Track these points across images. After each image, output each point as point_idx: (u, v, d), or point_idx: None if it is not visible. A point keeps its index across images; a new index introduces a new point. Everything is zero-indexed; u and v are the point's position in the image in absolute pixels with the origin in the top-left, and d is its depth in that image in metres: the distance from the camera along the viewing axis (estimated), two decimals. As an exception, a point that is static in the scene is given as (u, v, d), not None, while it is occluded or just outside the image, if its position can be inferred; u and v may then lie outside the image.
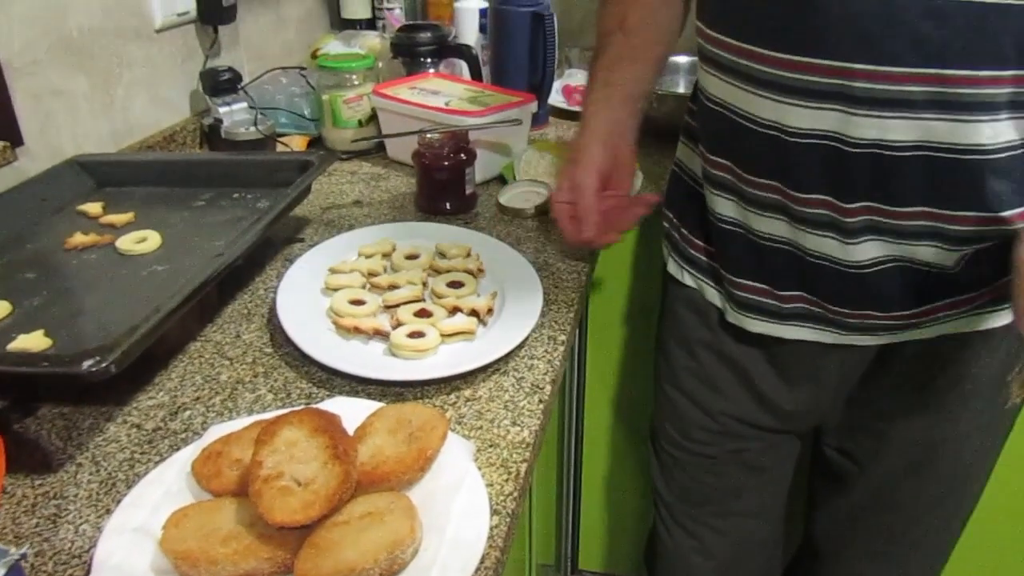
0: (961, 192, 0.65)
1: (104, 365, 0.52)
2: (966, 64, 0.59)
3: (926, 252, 0.69)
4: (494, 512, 0.53)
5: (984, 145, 0.62)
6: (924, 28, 0.58)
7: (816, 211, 0.69)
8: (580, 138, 0.83)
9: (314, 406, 0.54)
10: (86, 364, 0.52)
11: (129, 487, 0.54)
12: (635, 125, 0.85)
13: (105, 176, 0.93)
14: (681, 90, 1.31)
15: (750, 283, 0.78)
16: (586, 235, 0.80)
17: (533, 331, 0.72)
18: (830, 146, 0.64)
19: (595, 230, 0.80)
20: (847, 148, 0.64)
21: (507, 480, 0.56)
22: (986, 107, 0.60)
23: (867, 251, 0.69)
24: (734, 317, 0.82)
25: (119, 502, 0.52)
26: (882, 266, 0.70)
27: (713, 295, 0.84)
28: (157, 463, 0.57)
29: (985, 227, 0.66)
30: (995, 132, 0.62)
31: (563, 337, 0.73)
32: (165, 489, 0.52)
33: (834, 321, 0.75)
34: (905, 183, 0.64)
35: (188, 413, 0.62)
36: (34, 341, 0.63)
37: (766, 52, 0.66)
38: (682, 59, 1.33)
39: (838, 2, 0.60)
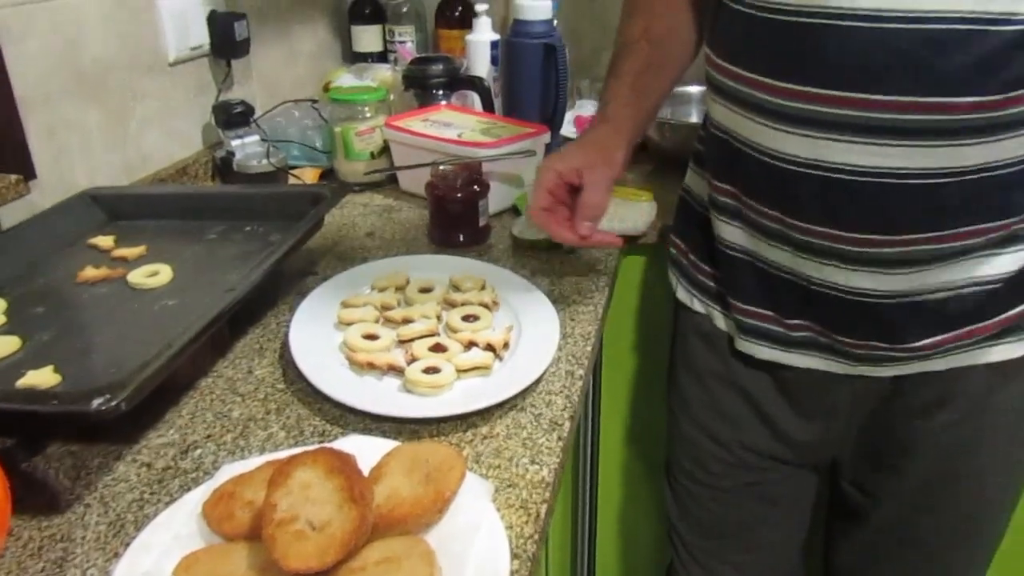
0: (970, 214, 0.64)
1: (114, 403, 0.51)
2: (966, 92, 0.59)
3: (932, 280, 0.67)
4: (514, 556, 0.51)
5: (992, 162, 0.62)
6: (924, 57, 0.58)
7: (818, 240, 0.68)
8: (594, 130, 0.82)
9: (328, 445, 0.52)
10: (96, 402, 0.51)
11: (138, 529, 0.53)
12: (635, 136, 0.85)
13: (117, 209, 0.93)
14: (693, 119, 1.31)
15: (757, 310, 0.78)
16: (537, 220, 0.81)
17: (550, 366, 0.70)
18: (832, 177, 0.64)
19: (544, 219, 0.80)
20: (849, 177, 0.64)
21: (527, 522, 0.54)
22: (988, 130, 0.60)
23: (871, 280, 0.68)
24: (742, 344, 0.81)
25: (128, 545, 0.50)
26: (888, 297, 0.69)
27: (722, 321, 0.83)
28: (167, 504, 0.55)
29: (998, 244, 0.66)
30: (1003, 150, 0.62)
31: (581, 372, 0.71)
32: (175, 532, 0.51)
33: (841, 351, 0.75)
34: (906, 212, 0.64)
35: (199, 451, 0.61)
36: (43, 377, 0.62)
37: (767, 80, 0.66)
38: (694, 89, 1.33)
39: (837, 31, 0.60)
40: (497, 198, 1.01)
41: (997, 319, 0.72)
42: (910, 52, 0.59)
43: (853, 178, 0.64)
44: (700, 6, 0.83)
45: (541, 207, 0.80)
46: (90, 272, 0.79)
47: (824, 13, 0.61)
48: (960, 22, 0.57)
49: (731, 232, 0.78)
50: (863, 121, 0.62)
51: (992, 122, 0.60)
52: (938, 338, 0.71)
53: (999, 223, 0.66)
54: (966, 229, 0.65)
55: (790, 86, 0.64)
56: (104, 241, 0.86)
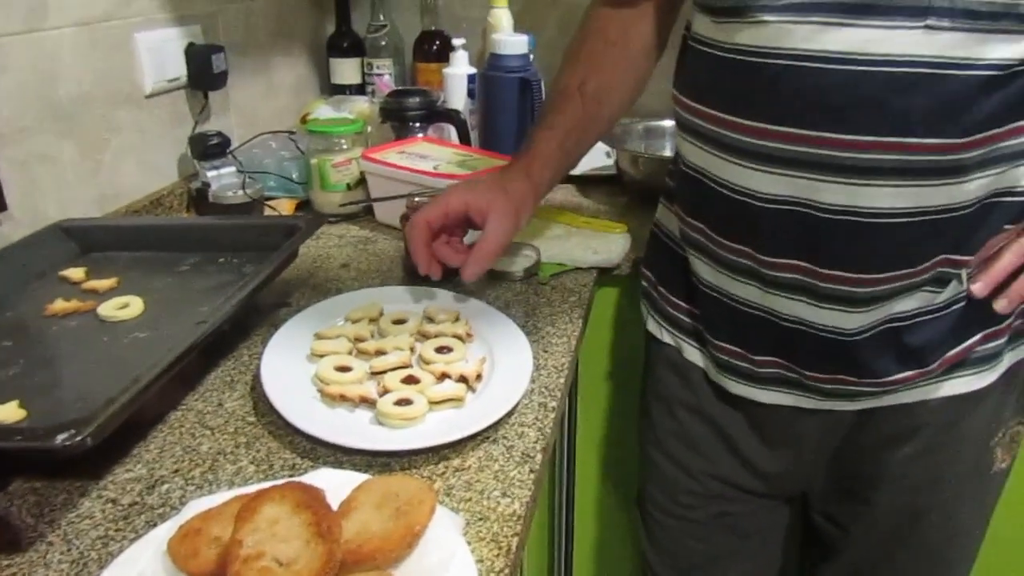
0: (936, 251, 0.65)
1: (79, 439, 0.50)
2: (928, 134, 0.60)
3: (897, 310, 0.69)
4: (484, 591, 0.51)
5: (957, 203, 0.63)
6: (887, 98, 0.59)
7: (786, 275, 0.69)
8: (512, 180, 0.82)
9: (297, 479, 0.52)
10: (60, 438, 0.50)
11: (102, 567, 0.52)
12: (546, 188, 0.86)
13: (89, 241, 0.92)
14: (667, 153, 1.33)
15: (726, 345, 0.78)
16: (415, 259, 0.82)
17: (523, 397, 0.70)
18: (800, 212, 0.65)
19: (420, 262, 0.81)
20: (819, 214, 0.65)
21: (498, 555, 0.54)
22: (951, 172, 0.62)
23: (840, 317, 0.69)
24: (715, 376, 0.82)
25: (91, 584, 0.50)
26: (857, 333, 0.70)
27: (693, 353, 0.84)
28: (132, 540, 0.54)
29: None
30: (967, 191, 0.63)
31: (554, 404, 0.71)
32: (139, 570, 0.50)
33: (810, 387, 0.75)
34: (875, 249, 0.65)
35: (166, 486, 0.60)
36: (8, 412, 0.61)
37: (736, 120, 0.67)
38: (667, 123, 1.35)
39: (803, 73, 0.62)
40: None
41: (959, 349, 0.73)
42: (872, 93, 0.60)
43: (821, 215, 0.65)
44: (640, 66, 0.85)
45: (428, 222, 0.80)
46: (60, 305, 0.79)
47: (788, 54, 0.62)
48: (923, 65, 0.58)
49: (702, 268, 0.79)
50: (828, 160, 0.62)
51: (954, 164, 0.61)
52: (907, 373, 0.72)
53: (964, 258, 0.68)
54: (930, 263, 0.66)
55: (755, 124, 0.65)
56: (75, 273, 0.85)
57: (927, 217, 0.63)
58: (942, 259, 0.66)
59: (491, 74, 1.21)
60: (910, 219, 0.63)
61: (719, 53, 0.68)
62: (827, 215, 0.64)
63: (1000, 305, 0.70)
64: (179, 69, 1.14)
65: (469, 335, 0.79)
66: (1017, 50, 0.58)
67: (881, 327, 0.70)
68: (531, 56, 1.24)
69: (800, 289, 0.69)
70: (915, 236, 0.64)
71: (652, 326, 0.90)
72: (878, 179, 0.62)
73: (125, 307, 0.78)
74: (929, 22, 0.58)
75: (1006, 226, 0.68)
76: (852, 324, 0.69)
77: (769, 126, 0.65)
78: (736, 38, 0.66)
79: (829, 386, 0.74)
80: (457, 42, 1.36)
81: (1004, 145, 0.63)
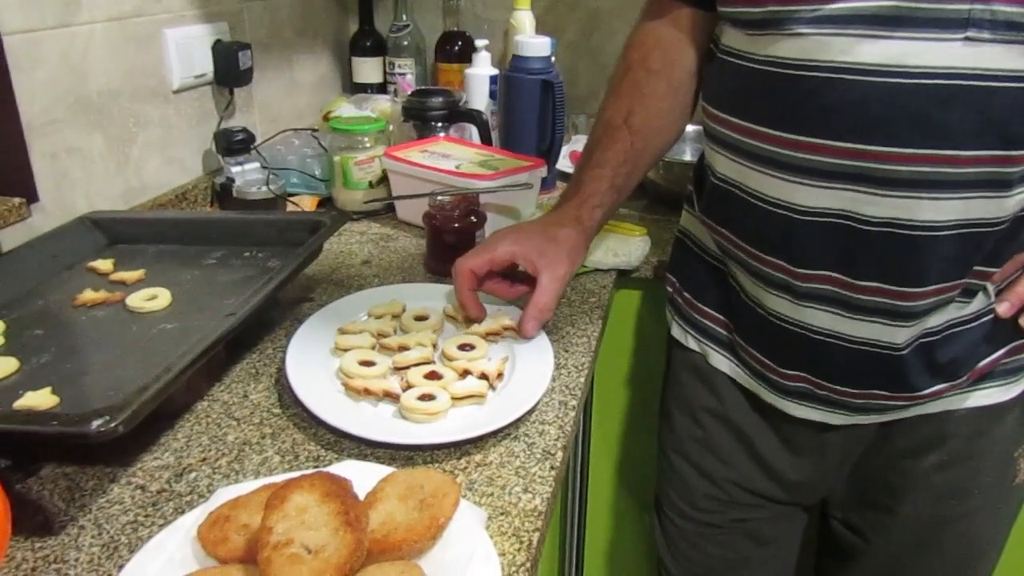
0: (970, 264, 0.65)
1: (113, 425, 0.51)
2: (968, 146, 0.59)
3: (932, 323, 0.69)
4: (506, 584, 0.51)
5: (997, 217, 0.63)
6: (927, 111, 0.59)
7: (819, 286, 0.69)
8: (562, 226, 0.80)
9: (324, 470, 0.53)
10: (95, 424, 0.51)
11: (132, 551, 0.53)
12: (600, 223, 0.84)
13: (116, 233, 0.94)
14: (687, 158, 1.33)
15: (757, 354, 0.78)
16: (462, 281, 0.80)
17: (544, 395, 0.71)
18: (840, 224, 0.65)
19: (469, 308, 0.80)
20: (859, 226, 0.64)
21: (519, 550, 0.55)
22: (991, 185, 0.61)
23: (876, 330, 0.69)
24: (747, 383, 0.81)
25: (121, 568, 0.51)
26: (893, 348, 0.69)
27: (719, 360, 0.84)
28: (161, 526, 0.55)
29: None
30: (1008, 206, 0.63)
31: (574, 402, 0.72)
32: (169, 555, 0.51)
33: (838, 402, 0.75)
34: (913, 262, 0.64)
35: (194, 475, 0.61)
36: (41, 399, 0.62)
37: (774, 133, 0.67)
38: (688, 128, 1.35)
39: (841, 86, 0.61)
40: (493, 229, 1.02)
41: (987, 361, 0.73)
42: (911, 106, 0.59)
43: (859, 226, 0.64)
44: (686, 93, 0.83)
45: (472, 269, 0.79)
46: (88, 295, 0.80)
47: (825, 67, 0.61)
48: (963, 77, 0.58)
49: (739, 277, 0.78)
50: (869, 172, 0.62)
51: (998, 178, 0.61)
52: (938, 387, 0.72)
53: (992, 270, 0.68)
54: (962, 281, 0.66)
55: (794, 137, 0.65)
56: (103, 265, 0.87)
57: (967, 230, 0.63)
58: (973, 271, 0.66)
59: (513, 75, 1.22)
60: (950, 232, 0.63)
61: (753, 66, 0.68)
62: (867, 227, 0.64)
63: None
64: (206, 65, 1.16)
65: (507, 328, 0.79)
66: None
67: (917, 341, 0.70)
68: (553, 58, 1.24)
69: (833, 301, 0.69)
70: (954, 249, 0.64)
71: (676, 331, 0.90)
72: (920, 192, 0.61)
73: (153, 298, 0.79)
74: (969, 33, 0.57)
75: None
76: (900, 338, 0.68)
77: (809, 139, 0.64)
78: (771, 51, 0.65)
79: (860, 401, 0.73)
80: (479, 43, 1.37)
81: None
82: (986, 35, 0.57)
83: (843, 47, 0.60)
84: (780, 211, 0.68)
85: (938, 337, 0.70)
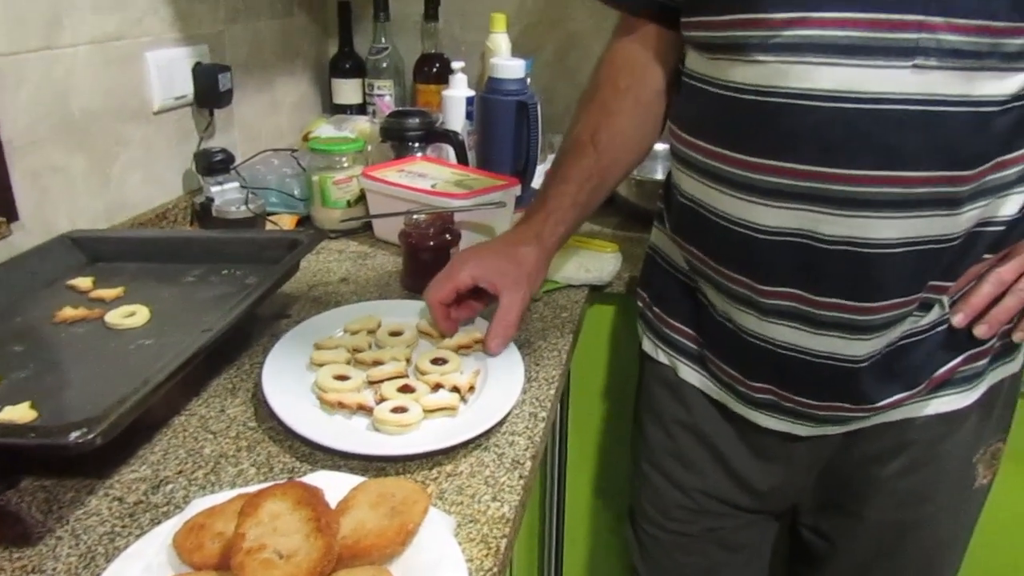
0: (928, 279, 0.68)
1: (91, 437, 0.53)
2: (921, 168, 0.62)
3: (892, 336, 0.71)
4: (474, 588, 0.53)
5: (951, 234, 0.66)
6: (880, 134, 0.62)
7: (782, 303, 0.71)
8: (522, 245, 0.83)
9: (297, 480, 0.55)
10: (73, 436, 0.53)
11: (108, 561, 0.54)
12: (560, 243, 0.86)
13: (96, 251, 0.95)
14: (659, 176, 1.36)
15: (726, 367, 0.80)
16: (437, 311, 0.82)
17: (514, 407, 0.73)
18: (800, 243, 0.67)
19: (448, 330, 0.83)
20: (818, 244, 0.67)
21: (487, 555, 0.57)
22: (947, 204, 0.64)
23: (839, 344, 0.71)
24: (716, 394, 0.84)
25: (98, 576, 0.52)
26: (854, 361, 0.72)
27: (688, 373, 0.86)
28: (138, 537, 0.57)
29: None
30: (960, 223, 0.66)
31: (544, 413, 0.74)
32: (146, 563, 0.52)
33: (804, 414, 0.77)
34: (871, 278, 0.67)
35: (170, 487, 0.63)
36: (20, 413, 0.64)
37: (735, 155, 0.69)
38: (659, 146, 1.38)
39: (799, 111, 0.64)
40: (468, 247, 1.05)
41: (944, 369, 0.76)
42: (865, 129, 0.62)
43: (819, 245, 0.66)
44: (653, 112, 0.85)
45: (441, 301, 0.81)
46: (68, 312, 0.81)
47: (783, 92, 0.64)
48: (913, 103, 0.61)
49: (709, 292, 0.80)
50: (827, 193, 0.64)
51: (949, 197, 0.64)
52: (897, 396, 0.74)
53: (947, 284, 0.71)
54: (918, 296, 0.69)
55: (755, 159, 0.67)
56: (83, 282, 0.88)
57: (921, 247, 0.65)
58: (929, 286, 0.69)
59: (489, 97, 1.25)
60: (905, 248, 0.65)
61: (714, 90, 0.70)
62: (826, 245, 0.66)
63: (980, 331, 0.73)
64: (186, 87, 1.18)
65: (476, 343, 0.82)
66: (1004, 87, 0.61)
67: (879, 355, 0.72)
68: (528, 80, 1.27)
69: (796, 316, 0.71)
70: (909, 265, 0.66)
71: (648, 345, 0.92)
72: (875, 211, 0.64)
73: (132, 315, 0.80)
74: (917, 61, 0.60)
75: (985, 255, 0.71)
76: (859, 351, 0.71)
77: (769, 161, 0.66)
78: (731, 75, 0.68)
79: (823, 413, 0.76)
80: (456, 65, 1.40)
81: (993, 178, 0.65)
82: (933, 63, 0.60)
83: (799, 74, 0.63)
84: (743, 230, 0.70)
85: (894, 348, 0.73)
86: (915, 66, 0.60)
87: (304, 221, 1.23)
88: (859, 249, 0.65)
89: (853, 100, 0.62)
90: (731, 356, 0.80)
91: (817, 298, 0.69)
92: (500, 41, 1.47)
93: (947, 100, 0.61)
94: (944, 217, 0.65)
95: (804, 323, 0.71)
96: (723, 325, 0.79)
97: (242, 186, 1.15)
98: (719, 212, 0.73)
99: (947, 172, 0.63)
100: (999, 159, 0.65)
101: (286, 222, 1.20)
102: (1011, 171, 0.67)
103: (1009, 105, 0.62)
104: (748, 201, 0.69)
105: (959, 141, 0.62)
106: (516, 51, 1.48)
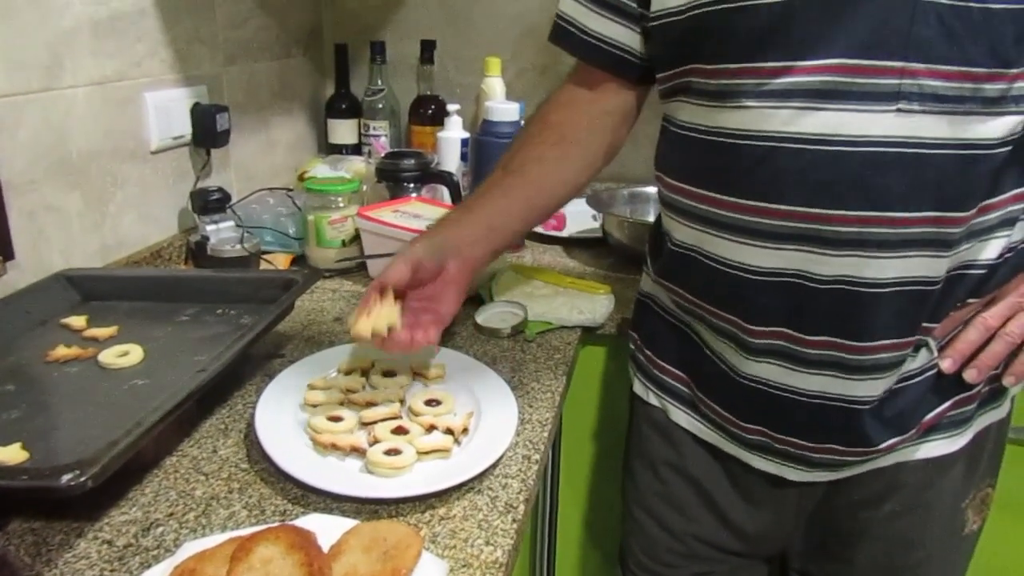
0: (923, 319, 0.69)
1: (83, 479, 0.53)
2: (906, 208, 0.64)
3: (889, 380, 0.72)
4: (466, 634, 0.53)
5: (936, 275, 0.67)
6: (865, 176, 0.63)
7: (768, 342, 0.72)
8: (409, 247, 0.81)
9: (289, 523, 0.55)
10: (65, 478, 0.53)
11: (97, 606, 0.53)
12: (482, 247, 0.85)
13: (90, 290, 0.95)
14: (650, 218, 1.38)
15: (717, 407, 0.81)
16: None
17: (507, 450, 0.73)
18: (793, 283, 0.68)
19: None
20: (811, 284, 0.68)
21: (480, 601, 0.56)
22: (936, 244, 0.65)
23: (831, 384, 0.71)
24: (707, 435, 0.84)
25: (86, 621, 0.51)
26: (851, 402, 0.72)
27: (679, 416, 0.86)
28: (127, 581, 0.56)
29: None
30: (944, 264, 0.67)
31: (537, 456, 0.74)
32: (134, 608, 0.52)
33: (796, 456, 0.77)
34: (864, 317, 0.68)
35: (161, 529, 0.62)
36: (11, 454, 0.63)
37: (725, 198, 0.70)
38: (651, 190, 1.41)
39: (786, 154, 0.65)
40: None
41: (933, 414, 0.76)
42: (850, 171, 0.63)
43: (810, 284, 0.67)
44: (582, 147, 0.88)
45: (396, 281, 0.77)
46: (61, 351, 0.81)
47: (770, 136, 0.65)
48: (896, 145, 0.62)
49: (701, 332, 0.81)
50: (816, 233, 0.65)
51: (934, 237, 0.65)
52: (891, 440, 0.74)
53: (933, 326, 0.71)
54: (913, 338, 0.70)
55: (745, 202, 0.68)
56: (76, 321, 0.88)
57: (909, 288, 0.66)
58: (921, 327, 0.70)
59: (483, 139, 1.27)
60: (893, 289, 0.66)
61: (701, 136, 0.72)
62: (818, 285, 0.67)
63: (970, 376, 0.74)
64: (184, 127, 1.19)
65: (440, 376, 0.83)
66: (988, 130, 0.63)
67: (873, 397, 0.72)
68: (522, 122, 1.29)
69: (784, 355, 0.71)
70: (898, 306, 0.67)
71: (638, 387, 0.92)
72: (867, 251, 0.65)
73: (125, 355, 0.80)
74: (900, 105, 0.62)
75: (969, 300, 0.72)
76: (860, 393, 0.71)
77: (759, 203, 0.67)
78: (718, 121, 0.70)
79: (817, 456, 0.75)
80: (452, 107, 1.42)
81: (977, 221, 0.67)
82: (916, 107, 0.62)
83: (785, 119, 0.65)
84: (734, 271, 0.71)
85: (886, 392, 0.73)
86: (899, 110, 0.62)
87: (299, 260, 1.24)
88: (850, 288, 0.66)
89: (838, 143, 0.63)
90: (723, 396, 0.80)
91: (806, 336, 0.70)
92: (495, 84, 1.49)
93: (932, 143, 0.62)
94: (933, 258, 0.66)
95: (793, 362, 0.71)
96: (715, 365, 0.79)
97: (237, 225, 1.16)
98: (710, 255, 0.74)
99: (936, 213, 0.64)
100: (984, 203, 0.66)
101: (280, 261, 1.21)
102: (993, 215, 0.68)
103: (994, 150, 0.64)
104: (739, 243, 0.70)
105: (946, 183, 0.63)
106: (510, 94, 1.51)
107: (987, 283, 0.72)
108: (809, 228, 0.66)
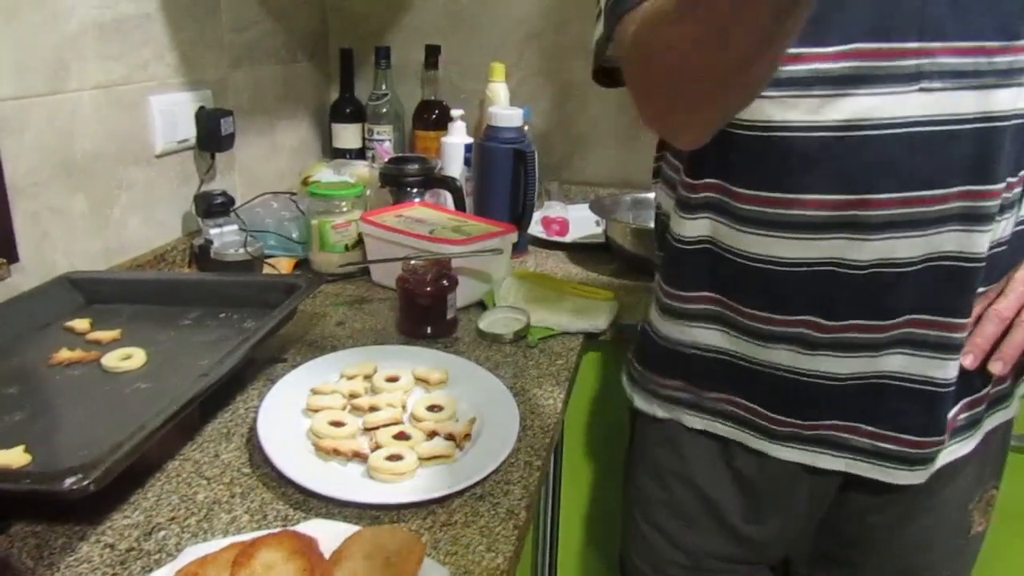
0: (959, 295, 0.70)
1: (86, 483, 0.53)
2: (938, 184, 0.65)
3: (902, 364, 0.72)
4: (467, 641, 0.53)
5: (960, 252, 0.68)
6: (894, 158, 0.65)
7: (790, 330, 0.72)
8: None
9: (291, 528, 0.55)
10: (68, 482, 0.53)
11: (98, 610, 0.53)
12: None
13: (94, 293, 0.95)
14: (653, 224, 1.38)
15: (745, 402, 0.79)
16: None
17: (509, 456, 0.73)
18: (826, 271, 0.69)
19: None
20: (846, 271, 0.68)
21: (481, 608, 0.56)
22: (975, 219, 0.67)
23: (847, 365, 0.72)
24: (733, 435, 0.82)
25: (87, 626, 0.51)
26: (861, 380, 0.73)
27: (693, 421, 0.85)
28: (128, 585, 0.56)
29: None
30: (986, 240, 0.68)
31: (539, 463, 0.74)
32: (136, 612, 0.52)
33: (831, 441, 0.77)
34: (899, 294, 0.69)
35: (163, 533, 0.62)
36: (13, 457, 0.64)
37: (753, 193, 0.70)
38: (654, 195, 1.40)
39: (813, 143, 0.66)
40: (465, 293, 1.06)
41: (949, 417, 0.75)
42: (881, 155, 0.65)
43: (846, 271, 0.68)
44: None
45: None
46: (64, 354, 0.81)
47: (795, 127, 0.66)
48: (922, 124, 0.64)
49: (709, 336, 0.80)
50: (850, 219, 0.67)
51: (969, 212, 0.66)
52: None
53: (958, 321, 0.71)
54: (941, 319, 0.70)
55: (774, 195, 0.69)
56: (80, 324, 0.88)
57: (938, 263, 0.68)
58: (942, 307, 0.70)
59: (487, 144, 1.27)
60: (921, 266, 0.67)
61: (725, 130, 0.70)
62: (851, 271, 0.68)
63: (996, 368, 0.74)
64: (189, 131, 1.19)
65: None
66: (1003, 100, 0.65)
67: (888, 381, 0.73)
68: (526, 128, 1.29)
69: (819, 344, 0.72)
70: (927, 282, 0.68)
71: (641, 403, 0.89)
72: (898, 232, 0.66)
73: (128, 358, 0.80)
74: (922, 85, 0.63)
75: (979, 288, 0.72)
76: (844, 369, 0.72)
77: (790, 195, 0.68)
78: (740, 114, 0.68)
79: (856, 439, 0.75)
80: (455, 112, 1.43)
81: (1008, 196, 0.68)
82: (937, 84, 0.63)
83: (810, 108, 0.65)
84: (762, 265, 0.72)
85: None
86: (921, 89, 0.63)
87: (302, 264, 1.24)
88: (885, 270, 0.68)
89: (868, 127, 0.64)
90: (745, 392, 0.79)
91: (830, 323, 0.70)
92: (499, 90, 1.49)
93: (955, 119, 0.64)
94: (968, 233, 0.67)
95: (806, 347, 0.72)
96: (734, 365, 0.78)
97: (241, 229, 1.16)
98: (735, 250, 0.74)
99: (968, 187, 0.65)
100: (1011, 178, 0.68)
101: (283, 265, 1.21)
102: (1018, 190, 0.70)
103: (1010, 121, 0.65)
104: (770, 237, 0.70)
105: (976, 156, 0.65)
106: (514, 100, 1.51)
107: (1005, 261, 0.72)
108: (844, 215, 0.67)
